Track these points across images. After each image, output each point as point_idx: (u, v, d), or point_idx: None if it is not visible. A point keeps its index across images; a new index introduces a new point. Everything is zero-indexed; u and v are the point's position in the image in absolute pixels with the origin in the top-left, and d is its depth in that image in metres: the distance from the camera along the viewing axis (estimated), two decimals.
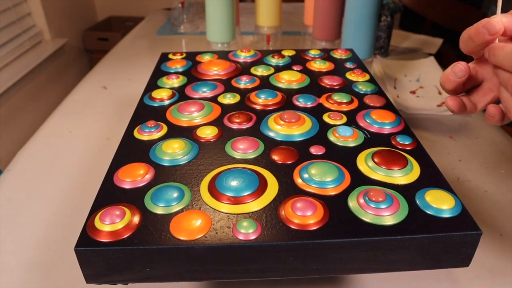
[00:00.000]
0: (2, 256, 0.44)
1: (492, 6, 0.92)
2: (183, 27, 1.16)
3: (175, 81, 0.53)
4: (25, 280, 0.42)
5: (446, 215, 0.31)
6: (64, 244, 0.46)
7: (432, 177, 0.35)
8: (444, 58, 1.13)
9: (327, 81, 0.52)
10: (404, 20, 1.94)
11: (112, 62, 0.97)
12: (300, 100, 0.48)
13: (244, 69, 0.57)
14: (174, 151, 0.38)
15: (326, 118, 0.44)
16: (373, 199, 0.31)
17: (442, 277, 0.41)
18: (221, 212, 0.32)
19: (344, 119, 0.44)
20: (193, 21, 1.17)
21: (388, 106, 0.47)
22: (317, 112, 0.45)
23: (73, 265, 0.42)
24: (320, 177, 0.34)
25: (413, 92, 0.79)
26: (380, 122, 0.43)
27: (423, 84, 0.83)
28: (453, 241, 0.30)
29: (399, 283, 0.41)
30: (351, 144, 0.40)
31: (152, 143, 0.41)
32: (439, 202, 0.32)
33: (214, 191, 0.33)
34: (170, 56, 0.61)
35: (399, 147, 0.39)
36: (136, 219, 0.31)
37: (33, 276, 0.42)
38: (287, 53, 0.62)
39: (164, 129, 0.43)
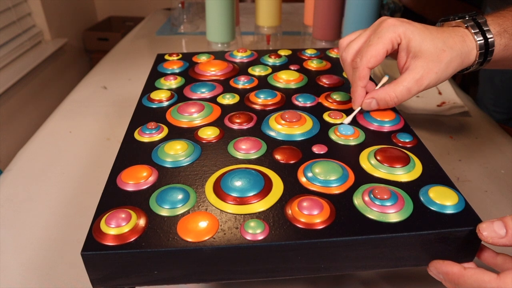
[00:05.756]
0: (2, 256, 0.44)
1: (487, 7, 0.93)
2: (183, 27, 1.15)
3: (173, 82, 0.53)
4: (25, 280, 0.41)
5: (450, 211, 0.32)
6: (64, 244, 0.45)
7: (434, 174, 0.36)
8: None
9: (325, 80, 0.53)
10: None
11: (112, 62, 0.97)
12: (300, 100, 0.48)
13: (241, 69, 0.57)
14: (177, 153, 0.38)
15: (326, 117, 0.44)
16: (378, 196, 0.32)
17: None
18: (227, 213, 0.32)
19: (344, 118, 0.44)
20: (193, 21, 1.17)
21: None
22: (317, 111, 0.46)
23: (73, 265, 0.42)
24: (325, 175, 0.34)
25: None
26: (380, 120, 0.43)
27: None
28: (458, 236, 0.31)
29: (399, 282, 0.41)
30: (353, 143, 0.40)
31: (153, 145, 0.40)
32: (442, 199, 0.32)
33: (219, 192, 0.33)
34: (166, 57, 0.61)
35: (400, 144, 0.40)
36: (142, 222, 0.31)
37: (33, 276, 0.42)
38: (284, 52, 0.62)
39: (165, 130, 0.42)
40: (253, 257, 0.30)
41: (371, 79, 0.52)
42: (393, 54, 0.43)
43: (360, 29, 0.44)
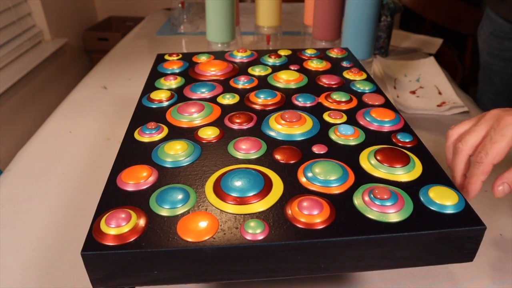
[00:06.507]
0: (2, 256, 0.44)
1: (487, 8, 0.93)
2: (183, 27, 1.15)
3: (173, 82, 0.53)
4: (25, 280, 0.42)
5: (450, 211, 0.32)
6: (64, 244, 0.45)
7: (434, 174, 0.36)
8: (444, 58, 1.13)
9: (325, 80, 0.53)
10: (404, 20, 1.95)
11: (112, 62, 0.97)
12: (300, 100, 0.48)
13: (241, 69, 0.57)
14: (177, 153, 0.38)
15: (326, 117, 0.44)
16: (378, 196, 0.32)
17: (442, 276, 0.42)
18: (227, 213, 0.32)
19: (344, 118, 0.44)
20: (193, 21, 1.17)
21: (387, 104, 0.47)
22: (317, 111, 0.46)
23: (73, 265, 0.42)
24: (325, 175, 0.34)
25: (413, 92, 0.80)
26: (380, 120, 0.43)
27: (423, 84, 0.83)
28: (458, 236, 0.31)
29: (399, 282, 0.41)
30: (353, 143, 0.40)
31: (153, 145, 0.40)
32: (442, 198, 0.32)
33: (219, 192, 0.33)
34: (166, 57, 0.61)
35: (400, 144, 0.40)
36: (142, 222, 0.31)
37: (33, 276, 0.42)
38: (284, 52, 0.62)
39: (165, 130, 0.42)
40: (253, 257, 0.30)
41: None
42: None
43: (467, 120, 0.43)
